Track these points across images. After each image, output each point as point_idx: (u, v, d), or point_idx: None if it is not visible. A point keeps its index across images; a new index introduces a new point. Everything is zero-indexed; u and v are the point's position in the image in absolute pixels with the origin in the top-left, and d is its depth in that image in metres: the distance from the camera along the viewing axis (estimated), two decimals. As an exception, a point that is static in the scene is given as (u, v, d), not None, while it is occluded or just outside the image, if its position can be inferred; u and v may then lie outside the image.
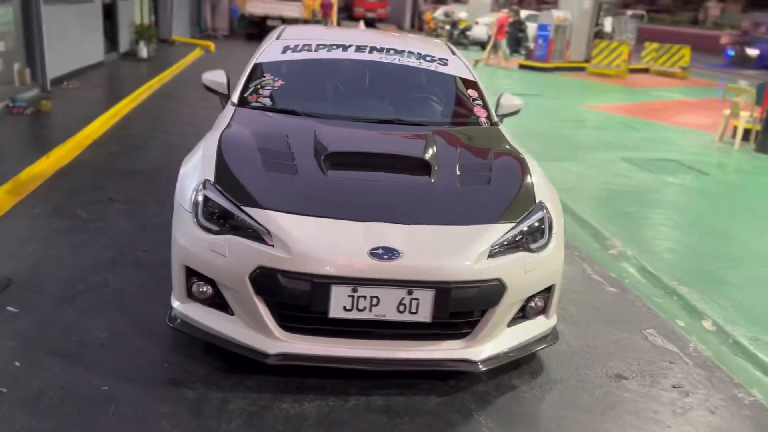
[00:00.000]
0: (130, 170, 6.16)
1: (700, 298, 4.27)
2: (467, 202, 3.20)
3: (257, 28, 21.76)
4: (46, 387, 2.82)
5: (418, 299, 2.80)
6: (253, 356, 2.88)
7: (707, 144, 9.78)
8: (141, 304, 3.59)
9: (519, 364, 3.26)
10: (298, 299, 2.80)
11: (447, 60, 4.64)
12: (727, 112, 9.76)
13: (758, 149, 9.26)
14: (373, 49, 4.54)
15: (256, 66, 4.37)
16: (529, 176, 3.45)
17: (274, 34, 4.92)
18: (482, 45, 23.67)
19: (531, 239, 3.11)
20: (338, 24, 26.25)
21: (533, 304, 3.16)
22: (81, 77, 10.66)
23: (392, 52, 4.54)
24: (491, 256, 2.94)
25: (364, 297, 2.78)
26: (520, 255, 3.02)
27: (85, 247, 4.31)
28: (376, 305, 2.79)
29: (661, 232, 5.64)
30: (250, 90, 4.17)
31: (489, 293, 2.91)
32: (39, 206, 5.03)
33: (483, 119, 4.27)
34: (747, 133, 9.55)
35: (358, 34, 5.35)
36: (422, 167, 3.37)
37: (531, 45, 19.96)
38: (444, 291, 2.81)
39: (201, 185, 3.08)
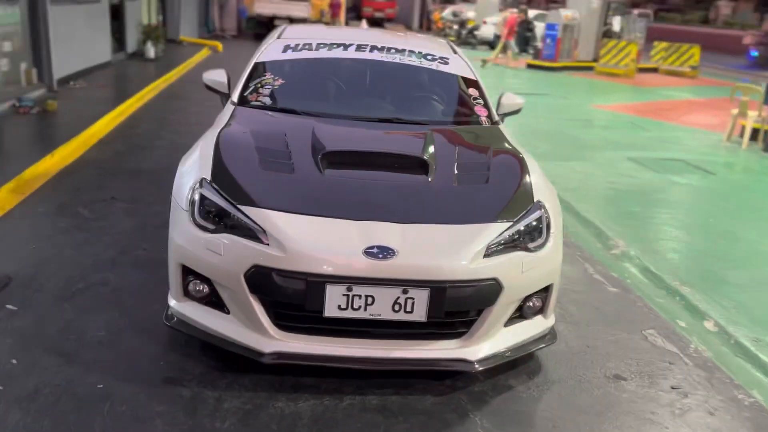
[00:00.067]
0: (135, 169, 6.18)
1: (702, 299, 4.23)
2: (464, 200, 3.19)
3: (265, 29, 21.75)
4: (42, 385, 2.83)
5: (413, 298, 2.79)
6: (248, 355, 2.88)
7: (715, 144, 9.70)
8: (140, 303, 3.60)
9: (516, 365, 3.24)
10: (293, 298, 2.80)
11: (448, 59, 4.62)
12: (735, 111, 9.68)
13: (766, 149, 9.18)
14: (373, 48, 4.53)
15: (257, 65, 4.38)
16: (527, 175, 3.43)
17: (275, 33, 4.93)
18: (490, 45, 23.62)
19: (528, 238, 3.09)
20: (346, 24, 26.27)
21: (531, 304, 3.14)
22: (88, 77, 10.72)
23: (393, 50, 4.53)
24: (488, 255, 2.92)
25: (359, 296, 2.77)
26: (517, 254, 3.00)
27: (86, 246, 4.33)
28: (371, 304, 2.78)
29: (666, 232, 5.60)
30: (250, 89, 4.17)
31: (485, 293, 2.89)
32: (42, 205, 5.06)
33: (483, 118, 4.25)
34: (755, 132, 9.47)
35: (359, 33, 5.34)
36: (420, 166, 3.36)
37: (539, 44, 19.89)
38: (439, 290, 2.80)
39: (198, 184, 3.08)
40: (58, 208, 5.01)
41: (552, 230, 3.18)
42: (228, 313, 2.94)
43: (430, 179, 3.26)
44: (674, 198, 6.76)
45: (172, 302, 3.09)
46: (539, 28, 20.90)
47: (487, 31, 25.18)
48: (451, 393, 3.01)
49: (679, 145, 9.38)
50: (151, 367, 3.04)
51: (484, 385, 3.09)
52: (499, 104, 4.50)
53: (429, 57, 4.57)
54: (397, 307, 2.79)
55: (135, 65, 13.10)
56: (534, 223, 3.14)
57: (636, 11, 23.33)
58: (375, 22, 31.67)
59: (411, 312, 2.81)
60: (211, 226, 2.94)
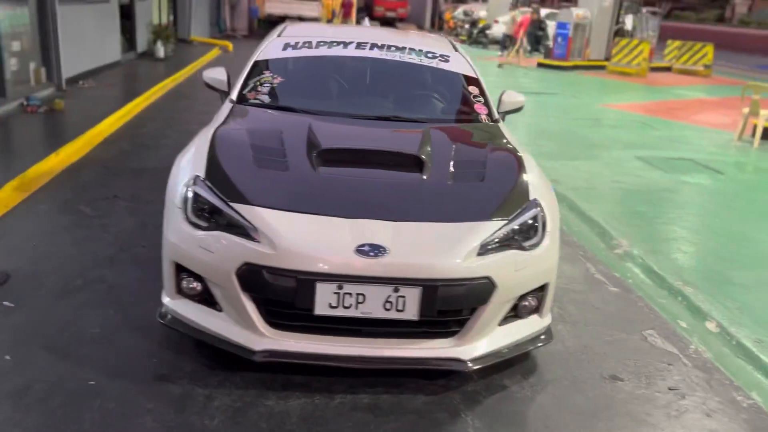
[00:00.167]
0: (139, 168, 6.20)
1: (705, 299, 4.17)
2: (459, 198, 3.16)
3: None
4: (33, 381, 2.84)
5: (404, 297, 2.77)
6: (239, 353, 2.87)
7: (725, 143, 9.59)
8: (136, 300, 3.60)
9: (512, 364, 3.21)
10: (283, 296, 2.78)
11: (448, 56, 4.59)
12: (746, 110, 9.56)
13: (778, 148, 9.08)
14: (373, 45, 4.51)
15: (256, 63, 4.37)
16: (524, 174, 3.40)
17: (275, 31, 4.92)
18: (501, 44, 23.52)
19: (524, 237, 3.06)
20: (357, 23, 26.27)
21: (526, 303, 3.11)
22: (97, 76, 10.78)
23: (393, 48, 4.51)
24: (481, 253, 2.89)
25: (350, 294, 2.75)
26: (511, 253, 2.97)
27: (86, 243, 4.35)
28: (362, 302, 2.76)
29: (671, 232, 5.54)
30: (249, 87, 4.17)
31: (478, 291, 2.86)
32: (45, 202, 5.09)
33: (483, 116, 4.22)
34: (767, 131, 9.35)
35: (360, 31, 5.33)
36: (415, 164, 3.33)
37: (550, 43, 19.77)
38: (431, 289, 2.77)
39: (191, 181, 3.08)
40: (61, 205, 5.04)
41: (548, 229, 3.14)
42: (220, 311, 2.93)
43: (424, 177, 3.24)
44: (682, 198, 6.68)
45: (165, 300, 3.09)
46: (551, 27, 20.79)
47: (498, 31, 25.08)
48: (443, 392, 2.99)
49: (689, 145, 9.28)
50: (143, 364, 3.04)
51: (477, 385, 3.06)
52: (500, 102, 4.47)
53: (429, 55, 4.54)
54: (388, 306, 2.77)
55: (144, 65, 13.16)
56: (530, 222, 3.10)
57: (644, 10, 23.13)
58: (387, 22, 31.64)
59: (402, 310, 2.79)
60: (203, 224, 2.93)
